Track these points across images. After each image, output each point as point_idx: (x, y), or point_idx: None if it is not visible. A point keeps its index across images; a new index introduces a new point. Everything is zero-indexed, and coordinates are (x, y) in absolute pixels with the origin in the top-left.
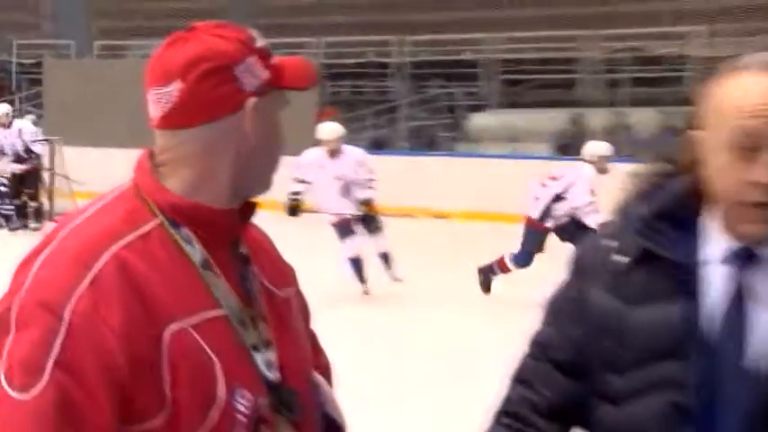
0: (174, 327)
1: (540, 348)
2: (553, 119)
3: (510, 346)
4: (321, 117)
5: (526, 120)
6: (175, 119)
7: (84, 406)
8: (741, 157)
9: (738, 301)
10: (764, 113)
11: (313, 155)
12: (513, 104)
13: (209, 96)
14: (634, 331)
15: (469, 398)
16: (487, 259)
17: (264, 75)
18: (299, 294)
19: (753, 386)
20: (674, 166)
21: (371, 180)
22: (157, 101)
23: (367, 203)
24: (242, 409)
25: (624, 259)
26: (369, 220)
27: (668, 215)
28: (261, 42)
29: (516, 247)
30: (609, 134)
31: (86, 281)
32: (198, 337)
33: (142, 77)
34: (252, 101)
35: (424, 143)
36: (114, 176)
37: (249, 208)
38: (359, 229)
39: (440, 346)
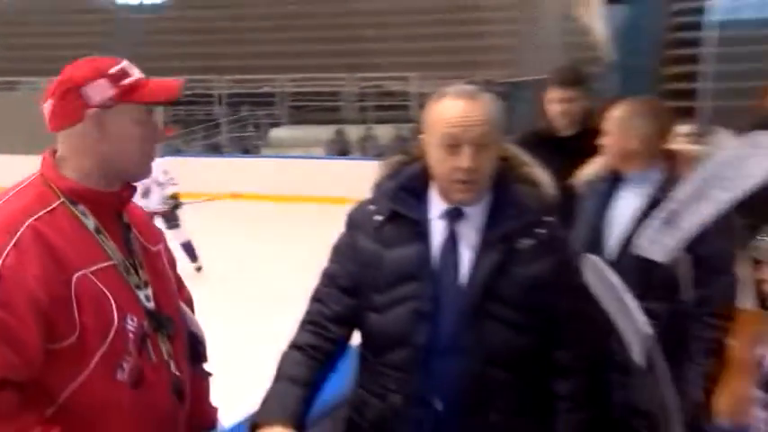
0: (78, 274)
1: (328, 278)
2: (325, 131)
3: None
4: (164, 133)
5: (307, 132)
6: (52, 125)
7: (18, 329)
8: (449, 151)
9: (452, 242)
10: (460, 124)
11: None
12: (299, 122)
13: (63, 109)
14: (388, 265)
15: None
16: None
17: (110, 93)
18: (166, 249)
19: (462, 296)
20: (409, 157)
21: (172, 178)
22: (45, 111)
23: (174, 197)
24: (131, 329)
25: (380, 217)
26: (169, 216)
27: (407, 188)
28: (118, 69)
29: None
30: (362, 142)
31: (11, 244)
32: (95, 280)
33: (32, 106)
34: (92, 111)
35: (240, 150)
36: (14, 176)
37: (128, 189)
38: (159, 222)
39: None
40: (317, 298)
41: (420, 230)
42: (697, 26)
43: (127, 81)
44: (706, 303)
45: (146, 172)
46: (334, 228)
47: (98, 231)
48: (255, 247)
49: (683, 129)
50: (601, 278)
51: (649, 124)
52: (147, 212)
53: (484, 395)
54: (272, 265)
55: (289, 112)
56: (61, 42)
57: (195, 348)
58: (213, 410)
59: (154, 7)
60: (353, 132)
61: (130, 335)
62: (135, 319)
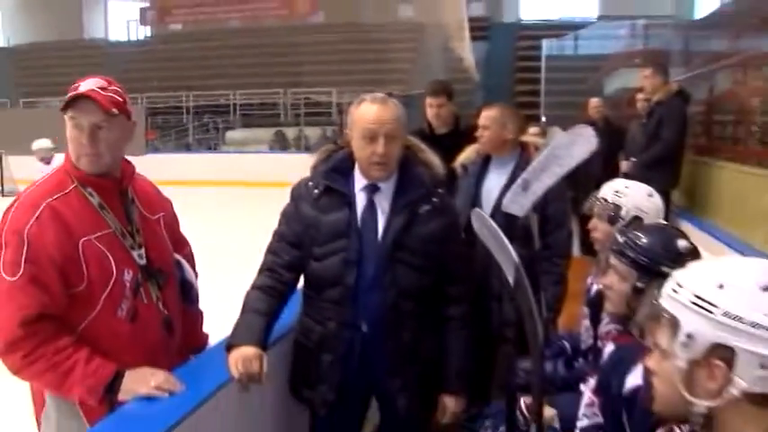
0: (83, 239)
1: (279, 236)
2: (267, 133)
3: None
4: (147, 136)
5: (255, 134)
6: None
7: (45, 278)
8: (368, 142)
9: (371, 208)
10: (376, 122)
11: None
12: (248, 126)
13: None
14: (324, 225)
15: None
16: None
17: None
18: (168, 215)
19: (379, 248)
20: (337, 147)
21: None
22: None
23: None
24: (127, 279)
25: (317, 191)
26: None
27: (337, 169)
28: (78, 85)
29: None
30: (297, 141)
31: (34, 218)
32: (98, 244)
33: (49, 120)
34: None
35: (205, 147)
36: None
37: (126, 174)
38: None
39: None
40: (271, 251)
41: (347, 200)
42: (536, 58)
43: (69, 95)
44: (551, 248)
45: (93, 168)
46: (277, 204)
47: (101, 207)
48: (220, 220)
49: (532, 128)
50: (484, 224)
51: (515, 121)
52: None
53: (397, 320)
54: (233, 233)
55: (240, 118)
56: (66, 71)
57: (188, 292)
58: (204, 336)
59: (138, 42)
60: (290, 133)
61: (127, 283)
62: (130, 272)
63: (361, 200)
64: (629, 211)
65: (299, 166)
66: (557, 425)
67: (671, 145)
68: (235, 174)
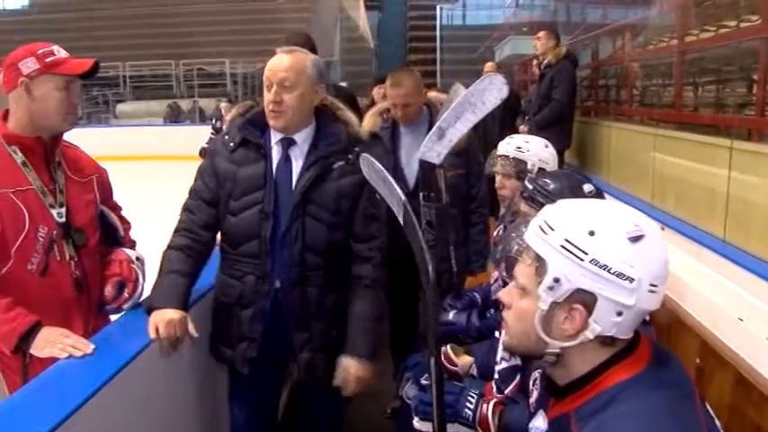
0: (1, 191)
1: (195, 193)
2: (161, 104)
3: None
4: None
5: (147, 106)
6: (4, 90)
7: None
8: (267, 90)
9: (286, 161)
10: (270, 70)
11: None
12: (139, 98)
13: (6, 79)
14: (240, 178)
15: None
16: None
17: (35, 67)
18: (102, 179)
19: (293, 198)
20: (255, 102)
21: None
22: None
23: None
24: (42, 235)
25: (233, 144)
26: None
27: (253, 122)
28: (46, 50)
29: None
30: (189, 112)
31: None
32: (14, 198)
33: None
34: (23, 80)
35: (97, 122)
36: None
37: (56, 137)
38: None
39: None
40: (186, 209)
41: (264, 153)
42: (430, 28)
43: (50, 59)
44: (475, 199)
45: (64, 126)
46: (177, 175)
47: (24, 164)
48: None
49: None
50: (372, 168)
51: (422, 83)
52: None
53: (303, 274)
54: (139, 207)
55: (131, 90)
56: None
57: (113, 235)
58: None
59: (16, 12)
60: (184, 105)
61: (41, 239)
62: (45, 228)
63: (276, 153)
64: (535, 164)
65: (194, 137)
66: (475, 372)
67: (563, 106)
68: (129, 148)
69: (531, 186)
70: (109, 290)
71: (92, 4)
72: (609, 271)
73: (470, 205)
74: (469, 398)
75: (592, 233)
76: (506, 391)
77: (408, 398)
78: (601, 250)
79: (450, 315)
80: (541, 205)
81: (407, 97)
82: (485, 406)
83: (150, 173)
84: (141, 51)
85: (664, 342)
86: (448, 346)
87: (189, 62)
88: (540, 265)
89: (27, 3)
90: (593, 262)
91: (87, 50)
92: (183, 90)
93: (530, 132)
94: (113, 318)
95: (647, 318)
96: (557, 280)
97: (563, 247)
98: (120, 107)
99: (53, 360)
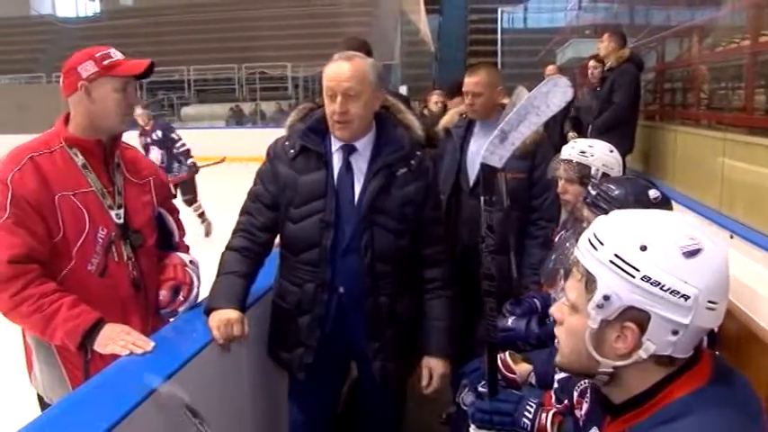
0: (60, 194)
1: (255, 197)
2: (224, 107)
3: None
4: None
5: (211, 109)
6: (64, 94)
7: (29, 222)
8: (330, 100)
9: (347, 169)
10: (333, 80)
11: None
12: (203, 101)
13: (67, 82)
14: (301, 186)
15: None
16: None
17: (93, 70)
18: (158, 180)
19: (356, 211)
20: (315, 105)
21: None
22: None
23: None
24: (101, 236)
25: (293, 151)
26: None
27: (313, 129)
28: (104, 54)
29: None
30: (251, 115)
31: (16, 169)
32: (75, 200)
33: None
34: (82, 84)
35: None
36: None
37: (115, 139)
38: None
39: None
40: (246, 211)
41: (325, 160)
42: (491, 31)
43: (107, 61)
44: (537, 211)
45: (122, 127)
46: (239, 178)
47: (84, 167)
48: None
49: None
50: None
51: (503, 83)
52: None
53: (374, 283)
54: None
55: (195, 94)
56: (16, 48)
57: (168, 239)
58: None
59: (88, 18)
60: (246, 108)
61: (100, 240)
62: (105, 230)
63: (337, 160)
64: (599, 169)
65: (257, 139)
66: (533, 381)
67: (623, 110)
68: (192, 150)
69: (594, 192)
70: (164, 294)
71: (158, 11)
72: (662, 288)
73: (531, 215)
74: (528, 407)
75: (643, 248)
76: (566, 401)
77: (465, 404)
78: (653, 266)
79: (509, 321)
80: (604, 211)
81: (477, 86)
82: (544, 415)
83: (213, 174)
84: (205, 56)
85: (734, 358)
86: (506, 353)
87: (251, 66)
88: (589, 280)
89: (98, 10)
90: (645, 279)
91: (154, 55)
92: (246, 93)
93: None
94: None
95: (716, 329)
96: (606, 297)
97: (612, 262)
98: (185, 110)
99: (114, 357)
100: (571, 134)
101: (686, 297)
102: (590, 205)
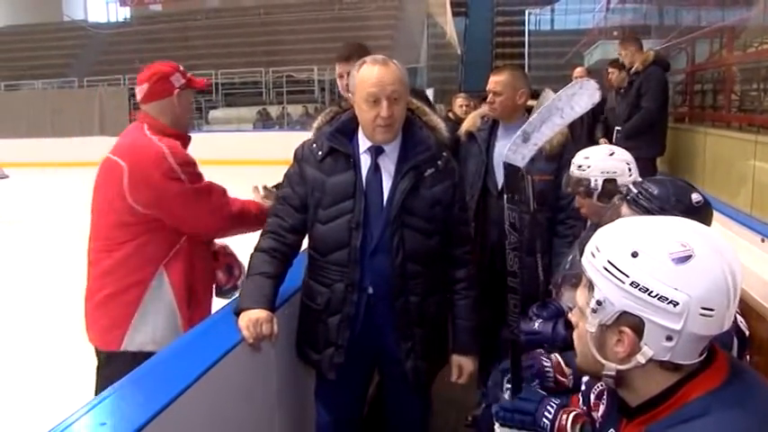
0: None
1: (283, 199)
2: (251, 111)
3: None
4: (130, 117)
5: (238, 112)
6: (146, 100)
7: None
8: (371, 105)
9: (376, 170)
10: (377, 85)
11: None
12: (230, 105)
13: (159, 89)
14: (330, 188)
15: None
16: None
17: (182, 81)
18: None
19: (385, 212)
20: (341, 109)
21: None
22: (139, 92)
23: None
24: None
25: (321, 153)
26: None
27: (341, 131)
28: (183, 70)
29: None
30: (280, 119)
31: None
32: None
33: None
34: (177, 91)
35: (192, 126)
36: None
37: (188, 135)
38: None
39: None
40: (274, 214)
41: (353, 162)
42: (517, 33)
43: (189, 75)
44: (566, 210)
45: (189, 128)
46: (267, 178)
47: None
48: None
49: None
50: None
51: (526, 84)
52: None
53: (404, 283)
54: None
55: (223, 97)
56: (48, 53)
57: None
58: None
59: (118, 24)
60: (273, 111)
61: None
62: None
63: (365, 162)
64: (597, 179)
65: (284, 142)
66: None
67: (652, 114)
68: (220, 152)
69: (635, 190)
70: (221, 275)
71: (186, 16)
72: (650, 294)
73: (559, 215)
74: (549, 407)
75: (635, 254)
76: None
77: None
78: (641, 272)
79: (536, 325)
80: (645, 210)
81: (497, 84)
82: (564, 416)
83: (241, 176)
84: (232, 60)
85: (764, 363)
86: (558, 355)
87: (278, 70)
88: (591, 287)
89: (128, 15)
90: (634, 285)
91: (182, 59)
92: (272, 97)
93: (616, 142)
94: (225, 301)
95: (747, 333)
96: (599, 302)
97: (605, 269)
98: (213, 113)
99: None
100: (602, 140)
101: (675, 303)
102: (630, 203)
